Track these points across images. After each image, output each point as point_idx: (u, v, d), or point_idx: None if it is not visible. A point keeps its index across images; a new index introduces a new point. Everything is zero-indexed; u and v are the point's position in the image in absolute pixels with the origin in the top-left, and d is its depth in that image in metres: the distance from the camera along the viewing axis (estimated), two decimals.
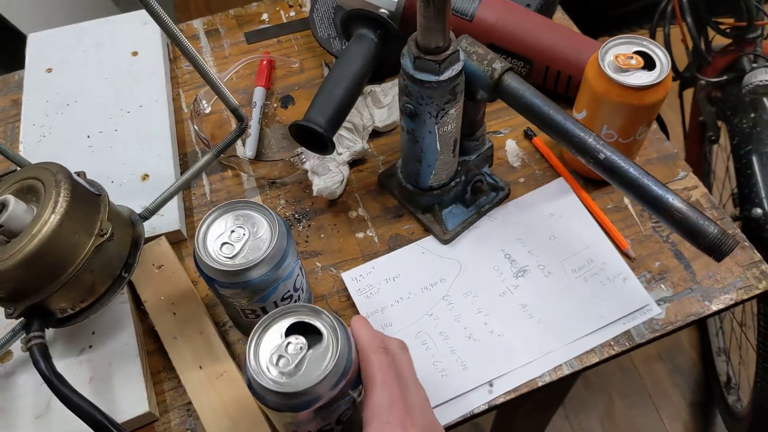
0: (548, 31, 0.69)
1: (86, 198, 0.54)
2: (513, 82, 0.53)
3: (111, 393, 0.56)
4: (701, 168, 1.32)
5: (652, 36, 1.08)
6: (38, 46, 0.83)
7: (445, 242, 0.65)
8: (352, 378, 0.44)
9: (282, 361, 0.42)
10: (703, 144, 1.26)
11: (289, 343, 0.43)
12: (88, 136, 0.73)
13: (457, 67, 0.52)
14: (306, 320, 0.44)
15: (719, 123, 1.17)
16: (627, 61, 0.57)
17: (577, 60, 0.68)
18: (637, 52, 0.58)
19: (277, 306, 0.54)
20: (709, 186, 1.32)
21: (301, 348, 0.43)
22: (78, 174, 0.60)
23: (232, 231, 0.51)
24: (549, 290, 0.61)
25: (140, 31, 0.82)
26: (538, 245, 0.64)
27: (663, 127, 0.78)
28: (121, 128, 0.74)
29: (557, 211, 0.66)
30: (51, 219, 0.49)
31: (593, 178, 0.68)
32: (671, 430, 1.47)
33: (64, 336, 0.60)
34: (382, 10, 0.67)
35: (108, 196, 0.56)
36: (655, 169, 0.68)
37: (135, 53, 0.80)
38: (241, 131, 0.62)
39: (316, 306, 0.45)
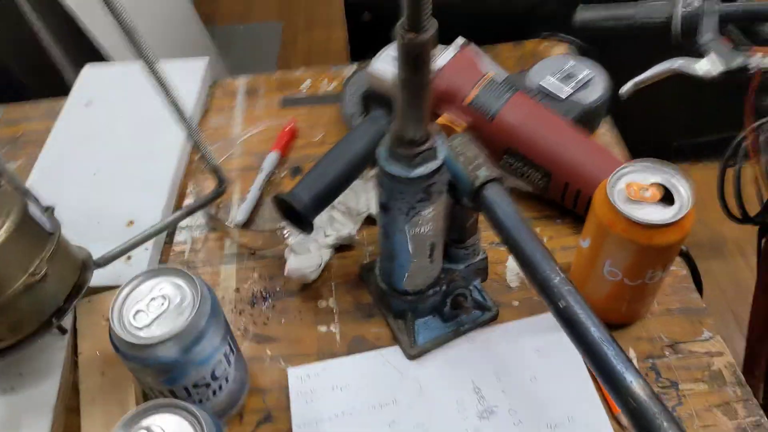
0: (575, 144, 0.62)
1: (32, 235, 0.52)
2: (493, 194, 0.46)
3: None
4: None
5: (722, 173, 0.97)
6: (88, 79, 0.85)
7: (411, 357, 0.57)
8: None
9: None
10: None
11: None
12: (94, 174, 0.73)
13: (431, 165, 0.46)
14: None
15: None
16: (640, 193, 0.48)
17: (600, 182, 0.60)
18: (655, 184, 0.49)
19: (188, 392, 0.48)
20: None
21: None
22: (46, 209, 0.59)
23: (153, 299, 0.47)
24: None
25: (185, 79, 0.82)
26: (514, 385, 0.54)
27: (695, 274, 0.66)
28: (129, 171, 0.73)
29: (545, 349, 0.56)
30: None
31: None
32: None
33: None
34: None
35: (61, 235, 0.54)
36: (674, 322, 0.57)
37: None
38: (218, 194, 0.59)
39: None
